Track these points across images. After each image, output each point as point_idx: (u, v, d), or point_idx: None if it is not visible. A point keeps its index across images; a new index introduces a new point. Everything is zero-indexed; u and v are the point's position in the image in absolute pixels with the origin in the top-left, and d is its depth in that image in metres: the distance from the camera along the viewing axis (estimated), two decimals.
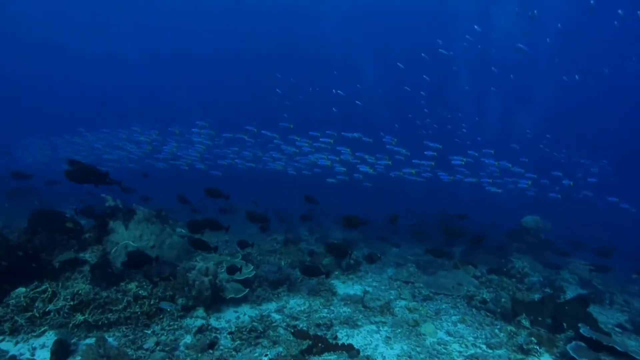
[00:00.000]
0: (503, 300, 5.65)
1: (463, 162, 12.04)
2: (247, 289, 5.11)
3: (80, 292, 4.38)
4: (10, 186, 12.49)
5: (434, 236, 10.61)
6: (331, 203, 13.48)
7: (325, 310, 5.30)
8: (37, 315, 4.10)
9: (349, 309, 5.42)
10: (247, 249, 6.61)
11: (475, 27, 16.33)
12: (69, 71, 38.50)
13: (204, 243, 4.92)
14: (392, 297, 6.14)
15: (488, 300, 5.93)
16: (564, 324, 4.80)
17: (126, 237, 5.35)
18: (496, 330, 5.11)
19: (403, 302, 5.95)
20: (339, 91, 20.77)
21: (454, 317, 5.55)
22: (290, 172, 15.44)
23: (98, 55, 36.39)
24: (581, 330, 4.24)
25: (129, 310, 4.35)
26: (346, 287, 6.39)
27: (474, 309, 5.88)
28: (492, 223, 12.72)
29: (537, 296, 6.60)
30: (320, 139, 13.27)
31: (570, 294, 7.28)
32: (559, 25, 15.58)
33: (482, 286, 6.70)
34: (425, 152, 12.29)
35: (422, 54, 18.69)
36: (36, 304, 4.19)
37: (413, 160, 12.64)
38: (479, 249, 9.59)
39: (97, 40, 34.09)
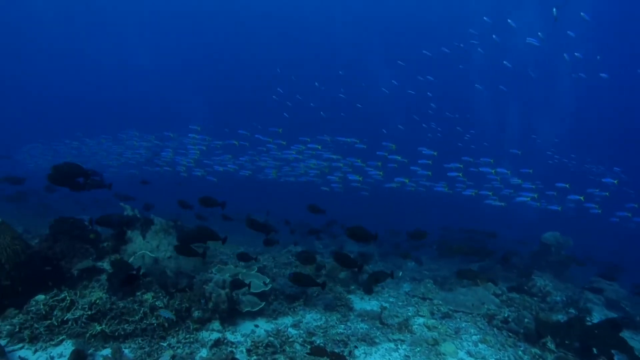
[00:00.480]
0: (526, 320, 5.43)
1: (460, 174, 11.53)
2: (264, 303, 5.03)
3: (97, 301, 4.37)
4: (9, 191, 12.62)
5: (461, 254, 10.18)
6: (348, 214, 13.23)
7: (342, 326, 5.17)
8: (56, 323, 4.10)
9: (366, 325, 5.29)
10: (254, 262, 6.34)
11: (485, 18, 15.46)
12: (72, 75, 39.18)
13: (189, 249, 4.79)
14: (410, 313, 5.97)
15: (510, 319, 5.72)
16: (594, 349, 4.56)
17: (143, 247, 5.36)
18: (520, 353, 4.90)
19: (421, 320, 5.79)
20: (341, 94, 20.61)
21: (474, 337, 5.35)
22: (290, 180, 15.20)
23: (102, 59, 37.10)
24: (616, 359, 4.02)
25: (145, 321, 4.31)
26: (363, 302, 6.25)
27: (495, 329, 5.67)
28: (517, 239, 12.06)
29: (560, 317, 6.36)
30: (309, 145, 12.93)
31: (596, 315, 6.97)
32: (583, 14, 13.49)
33: (503, 305, 6.47)
34: (420, 161, 11.66)
35: (424, 51, 18.04)
36: (55, 312, 4.20)
37: (411, 167, 11.97)
38: (498, 265, 9.34)
39: (98, 42, 34.80)
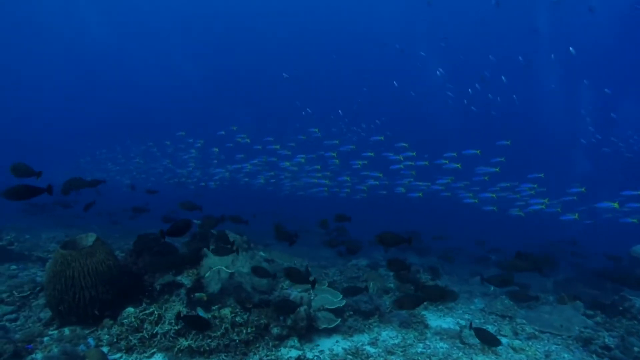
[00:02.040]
0: (636, 349, 4.79)
1: (450, 179, 10.45)
2: (339, 319, 4.93)
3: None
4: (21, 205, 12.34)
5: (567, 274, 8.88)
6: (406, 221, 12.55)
7: (421, 345, 4.91)
8: (147, 336, 4.30)
9: (446, 345, 4.98)
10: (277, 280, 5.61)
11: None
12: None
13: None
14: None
15: (612, 346, 5.09)
16: None
17: (219, 262, 5.49)
18: None
19: (505, 340, 5.35)
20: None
21: None
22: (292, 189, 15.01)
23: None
24: None
25: (227, 337, 4.38)
26: (438, 319, 5.93)
27: (594, 355, 5.07)
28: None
29: None
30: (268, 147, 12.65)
31: None
32: None
33: (600, 327, 5.80)
34: (392, 167, 10.52)
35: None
36: (145, 326, 4.41)
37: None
38: (578, 281, 8.47)
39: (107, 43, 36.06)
